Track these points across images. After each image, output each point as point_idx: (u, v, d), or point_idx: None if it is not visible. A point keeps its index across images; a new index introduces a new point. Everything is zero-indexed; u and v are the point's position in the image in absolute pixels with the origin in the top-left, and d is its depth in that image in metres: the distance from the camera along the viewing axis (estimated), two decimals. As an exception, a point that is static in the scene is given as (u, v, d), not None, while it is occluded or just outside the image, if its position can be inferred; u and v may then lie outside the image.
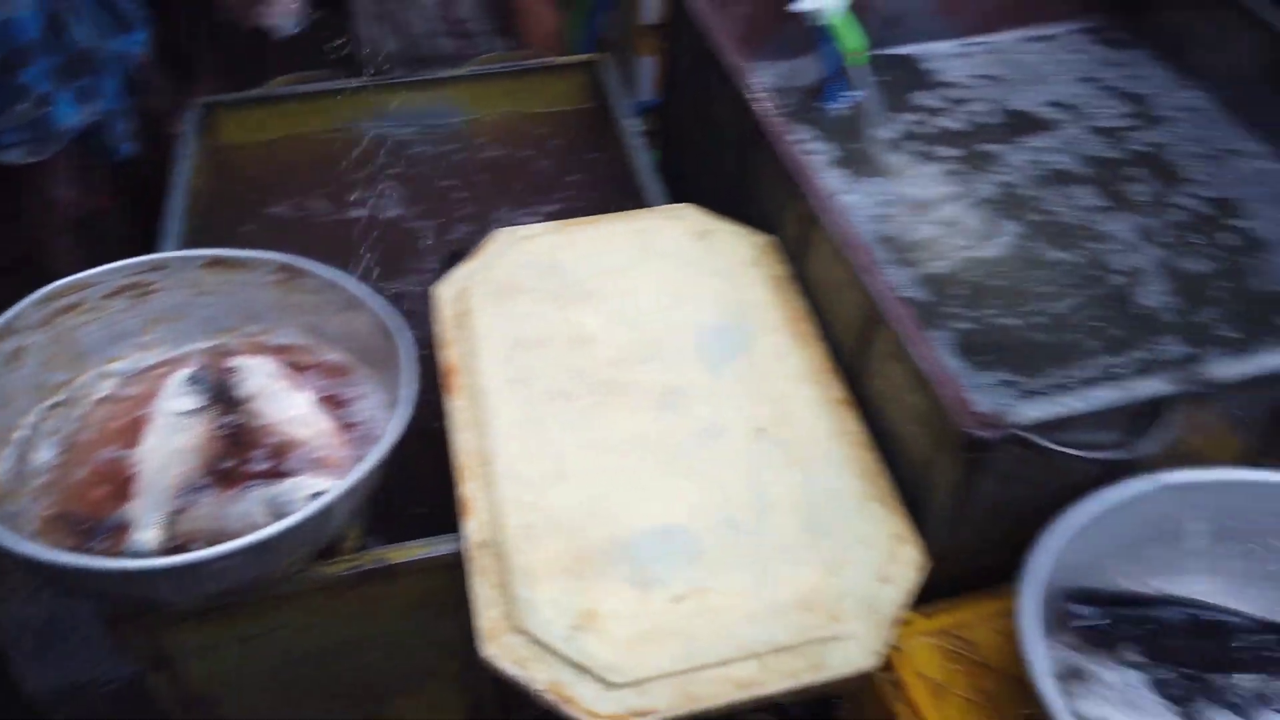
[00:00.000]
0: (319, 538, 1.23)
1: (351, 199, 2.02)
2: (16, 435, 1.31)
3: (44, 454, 1.32)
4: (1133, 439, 1.23)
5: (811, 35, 2.01)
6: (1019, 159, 1.90)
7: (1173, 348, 1.53)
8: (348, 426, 1.35)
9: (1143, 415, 1.23)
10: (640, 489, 1.28)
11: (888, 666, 1.35)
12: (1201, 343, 1.54)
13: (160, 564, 1.10)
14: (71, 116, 2.01)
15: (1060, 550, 1.21)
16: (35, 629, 2.28)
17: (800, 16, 1.93)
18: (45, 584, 1.83)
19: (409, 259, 1.90)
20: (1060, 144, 1.93)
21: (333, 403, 1.37)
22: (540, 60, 2.19)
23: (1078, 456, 1.19)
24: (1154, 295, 1.63)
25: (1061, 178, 1.86)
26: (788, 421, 1.37)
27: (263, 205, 2.00)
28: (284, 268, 1.44)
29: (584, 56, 2.19)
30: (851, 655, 1.16)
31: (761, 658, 1.15)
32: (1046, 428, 1.19)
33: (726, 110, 1.79)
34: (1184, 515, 1.29)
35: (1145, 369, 1.42)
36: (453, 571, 1.23)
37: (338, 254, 1.74)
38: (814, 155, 1.92)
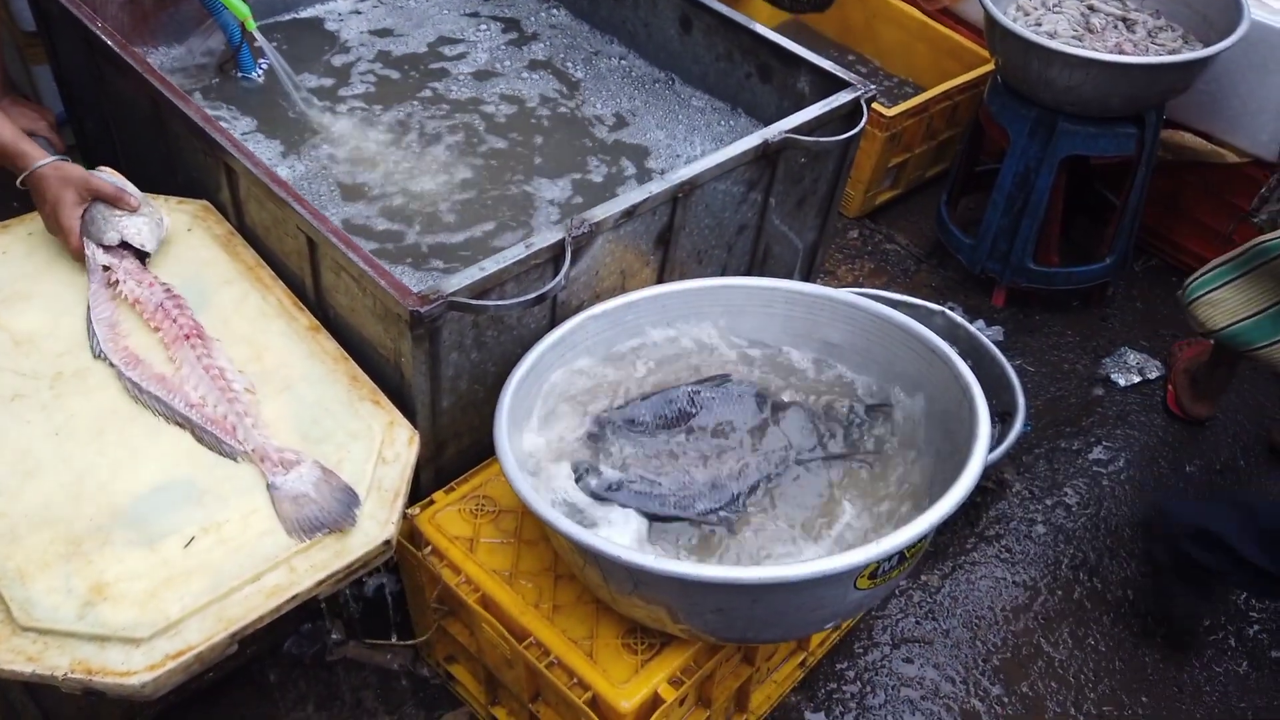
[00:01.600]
0: None
1: None
2: None
3: None
4: (548, 282, 1.48)
5: (205, 10, 2.04)
6: (430, 94, 2.11)
7: (573, 207, 1.86)
8: None
9: (550, 262, 1.49)
10: (127, 457, 1.28)
11: (425, 543, 1.50)
12: (595, 201, 1.88)
13: None
14: None
15: (516, 389, 1.43)
16: None
17: (182, -8, 1.94)
18: None
19: None
20: (469, 71, 2.18)
21: None
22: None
23: (502, 305, 1.41)
24: (560, 175, 1.95)
25: (475, 102, 2.11)
26: (264, 356, 1.44)
27: None
28: None
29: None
30: (370, 532, 1.28)
31: (288, 562, 1.22)
32: (475, 290, 1.39)
33: (130, 94, 1.77)
34: (609, 334, 1.59)
35: (548, 228, 1.69)
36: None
37: None
38: (233, 121, 1.97)
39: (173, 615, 1.14)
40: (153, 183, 1.71)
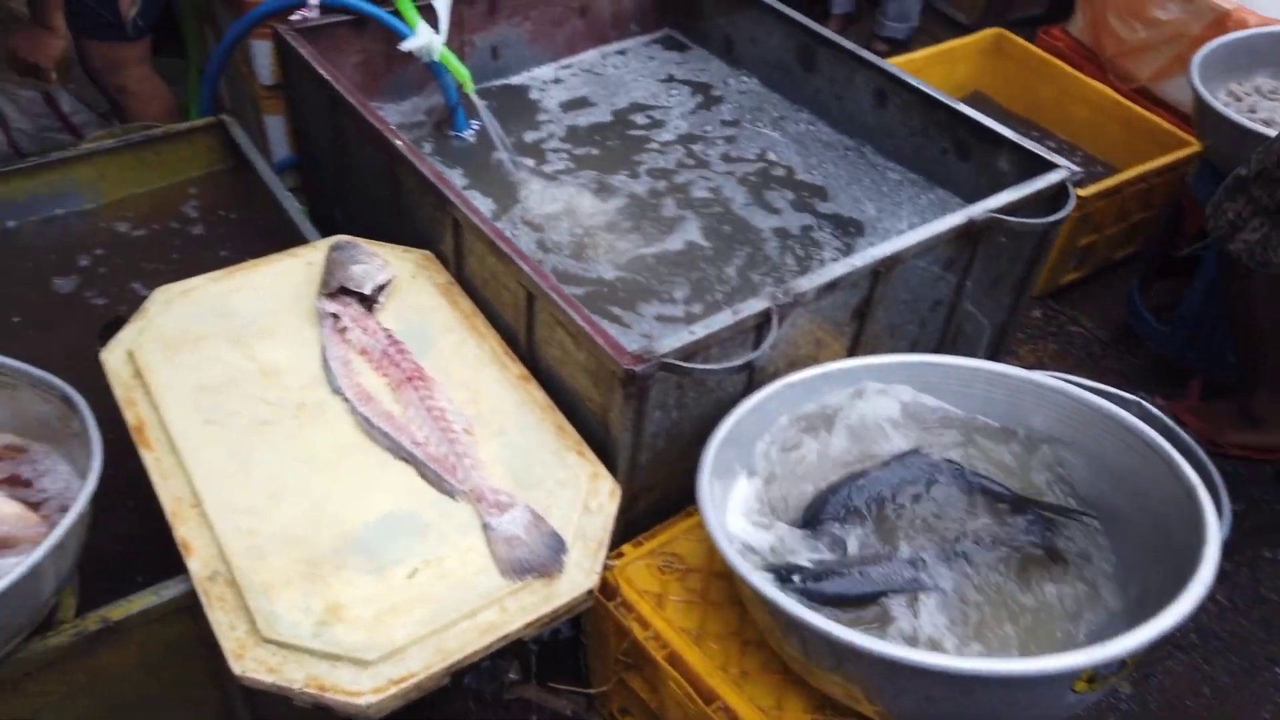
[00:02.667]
0: (30, 606, 1.18)
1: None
2: None
3: None
4: (752, 350, 1.51)
5: (426, 72, 2.19)
6: (627, 156, 2.20)
7: (769, 276, 1.90)
8: (35, 505, 1.30)
9: (754, 329, 1.52)
10: (359, 489, 1.37)
11: (615, 594, 1.54)
12: (785, 269, 1.91)
13: None
14: None
15: (717, 451, 1.45)
16: None
17: (412, 55, 2.10)
18: None
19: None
20: (669, 138, 2.27)
21: (17, 483, 1.32)
22: (164, 128, 2.17)
23: (711, 370, 1.45)
24: (753, 239, 1.99)
25: (664, 165, 2.19)
26: (480, 401, 1.52)
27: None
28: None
29: (208, 119, 2.20)
30: (576, 579, 1.32)
31: (500, 602, 1.28)
32: (685, 353, 1.44)
33: (365, 147, 1.92)
34: (804, 402, 1.60)
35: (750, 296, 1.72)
36: (194, 615, 1.25)
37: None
38: (453, 176, 2.10)
39: (398, 641, 1.21)
40: (381, 230, 1.85)
